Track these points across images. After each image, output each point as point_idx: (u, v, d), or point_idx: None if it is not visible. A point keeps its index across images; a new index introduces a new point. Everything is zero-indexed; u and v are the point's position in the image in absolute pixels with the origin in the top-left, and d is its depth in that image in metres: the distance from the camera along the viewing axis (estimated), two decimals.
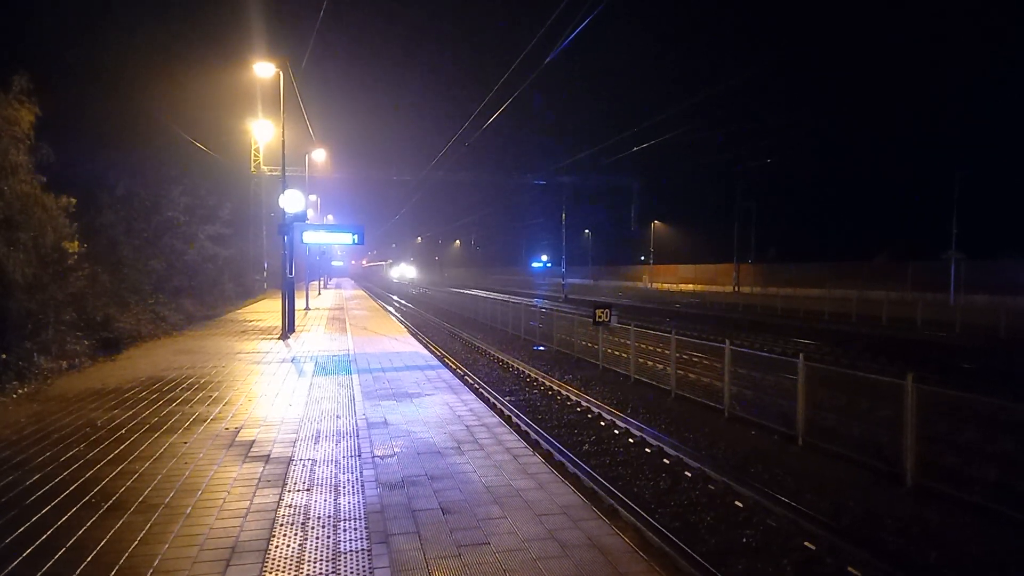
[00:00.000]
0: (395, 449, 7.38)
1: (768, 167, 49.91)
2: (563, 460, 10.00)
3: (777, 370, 13.03)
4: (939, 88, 54.59)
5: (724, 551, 7.00)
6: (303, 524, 5.21)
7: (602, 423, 12.46)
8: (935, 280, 38.29)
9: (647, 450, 10.61)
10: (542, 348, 22.70)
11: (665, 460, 10.04)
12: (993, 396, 10.94)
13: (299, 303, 27.87)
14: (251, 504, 5.64)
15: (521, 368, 18.60)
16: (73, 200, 14.86)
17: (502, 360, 20.39)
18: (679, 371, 14.79)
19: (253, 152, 43.72)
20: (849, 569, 6.50)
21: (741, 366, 13.35)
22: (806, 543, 7.07)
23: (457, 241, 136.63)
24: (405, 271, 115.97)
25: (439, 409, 9.49)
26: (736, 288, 54.80)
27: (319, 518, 5.34)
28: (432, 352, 18.01)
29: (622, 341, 17.77)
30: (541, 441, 11.07)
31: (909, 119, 57.31)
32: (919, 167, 53.50)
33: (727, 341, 13.09)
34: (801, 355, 11.01)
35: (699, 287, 60.12)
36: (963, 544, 7.00)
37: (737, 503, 8.25)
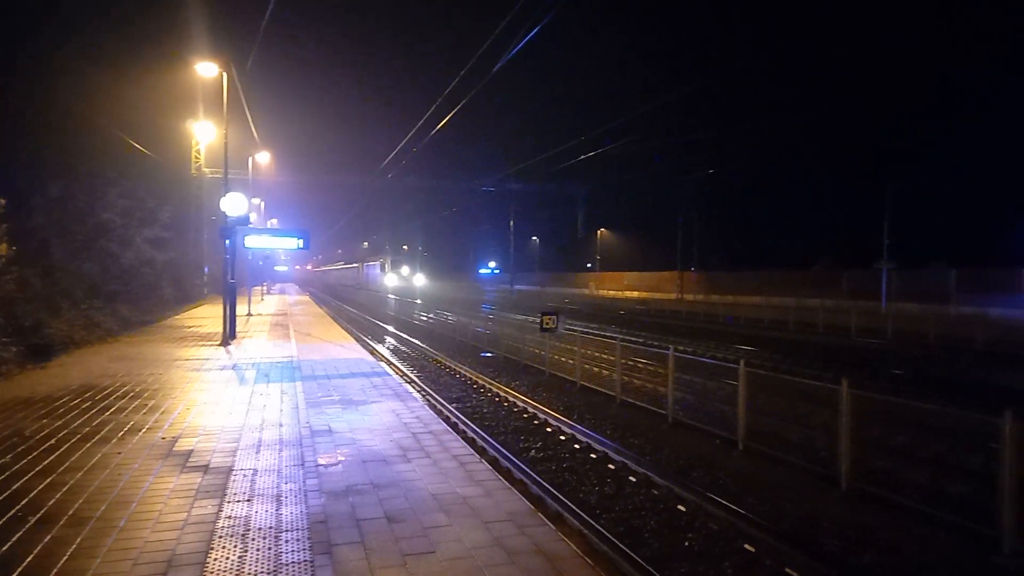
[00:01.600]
0: (340, 457, 7.28)
1: (711, 177, 51.11)
2: (510, 466, 10.00)
3: (719, 376, 13.31)
4: (873, 104, 56.77)
5: (667, 555, 7.10)
6: (243, 536, 5.09)
7: (548, 429, 12.51)
8: (868, 288, 39.74)
9: (592, 456, 10.69)
10: (489, 354, 22.69)
11: (610, 466, 10.13)
12: (923, 401, 11.40)
13: (241, 309, 27.26)
14: (189, 516, 5.48)
15: (468, 374, 18.56)
16: (2, 201, 14.29)
17: (449, 367, 20.31)
18: (624, 377, 14.96)
19: (194, 154, 42.66)
20: (787, 571, 6.66)
21: (684, 372, 13.59)
22: (746, 546, 7.21)
23: (404, 246, 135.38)
24: (414, 278, 70.61)
25: (385, 416, 9.40)
26: (679, 295, 55.79)
27: (260, 529, 5.22)
28: (378, 359, 17.83)
29: (569, 347, 17.90)
30: (488, 448, 11.06)
31: (844, 134, 59.43)
32: (853, 180, 55.53)
33: (671, 348, 13.30)
34: (742, 361, 11.26)
35: (644, 294, 61.05)
36: (896, 545, 7.25)
37: (680, 507, 8.38)
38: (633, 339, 23.07)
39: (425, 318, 38.26)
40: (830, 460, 9.28)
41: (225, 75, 18.76)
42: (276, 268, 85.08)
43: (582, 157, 40.39)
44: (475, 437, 11.75)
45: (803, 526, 7.79)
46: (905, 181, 38.90)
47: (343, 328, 25.96)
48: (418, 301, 46.95)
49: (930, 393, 14.79)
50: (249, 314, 29.86)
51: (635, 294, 62.78)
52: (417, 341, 26.99)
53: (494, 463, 9.83)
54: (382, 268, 72.94)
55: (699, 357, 15.75)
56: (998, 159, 48.78)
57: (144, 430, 8.34)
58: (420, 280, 72.12)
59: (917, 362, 21.21)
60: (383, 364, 16.62)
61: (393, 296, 51.89)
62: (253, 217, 29.43)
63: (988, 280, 35.58)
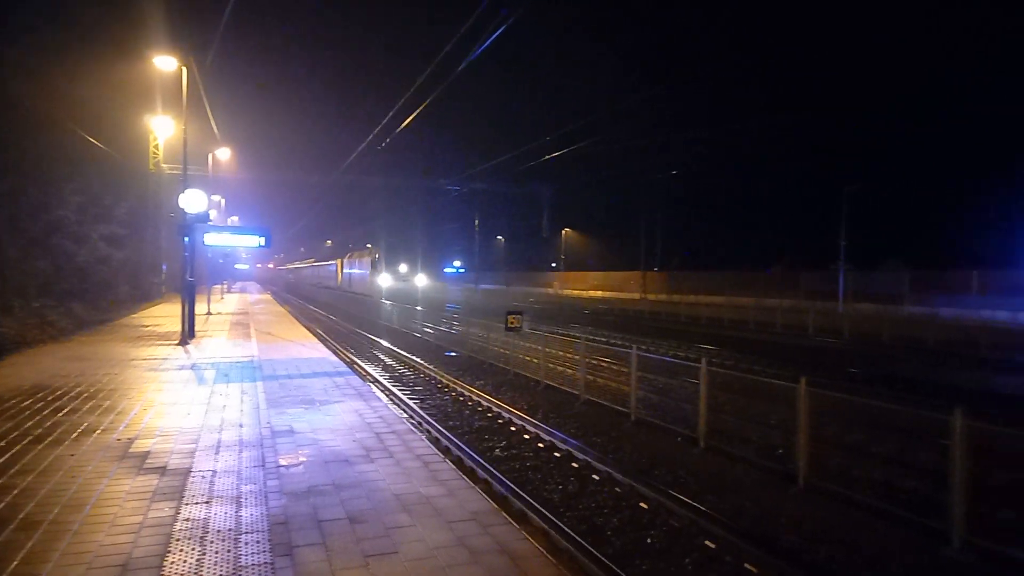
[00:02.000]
0: (301, 458, 7.20)
1: (674, 178, 51.71)
2: (473, 466, 10.00)
3: (680, 375, 13.46)
4: (833, 107, 58.03)
5: (629, 552, 7.17)
6: (201, 538, 5.01)
7: (512, 428, 12.54)
8: (825, 289, 40.58)
9: (556, 454, 10.74)
10: (454, 354, 22.65)
11: (574, 464, 10.20)
12: (878, 399, 11.67)
13: (201, 307, 26.78)
14: (145, 519, 5.37)
15: (433, 374, 18.50)
16: None
17: (414, 365, 20.22)
18: (588, 376, 15.06)
19: (152, 149, 41.74)
20: (746, 566, 6.78)
21: (647, 371, 13.72)
22: (707, 542, 7.32)
23: (368, 245, 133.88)
24: (415, 279, 55.34)
25: (348, 416, 9.32)
26: (643, 295, 56.31)
27: (219, 531, 5.14)
28: (341, 358, 17.66)
29: (533, 347, 17.96)
30: (451, 447, 11.04)
31: (804, 136, 60.65)
32: (812, 181, 56.71)
33: (634, 347, 13.43)
34: (703, 360, 11.40)
35: (608, 293, 61.50)
36: (851, 540, 7.42)
37: (642, 504, 8.47)
38: (597, 338, 23.20)
39: (431, 330, 28.75)
40: (788, 457, 9.46)
41: (185, 69, 18.42)
42: (236, 267, 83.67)
43: (547, 157, 40.42)
44: (439, 437, 11.73)
45: (762, 522, 7.93)
46: (862, 183, 39.76)
47: (305, 327, 25.65)
48: (419, 308, 33.14)
49: (884, 391, 15.16)
50: (209, 313, 29.33)
51: (599, 293, 63.19)
52: (381, 340, 26.80)
53: (458, 463, 9.82)
54: (373, 265, 52.92)
55: (661, 356, 15.92)
56: (952, 162, 50.18)
57: (99, 431, 8.15)
58: (422, 280, 54.97)
59: (872, 361, 21.71)
60: (346, 364, 16.47)
61: (389, 301, 37.28)
62: (213, 214, 28.98)
63: (940, 281, 36.60)
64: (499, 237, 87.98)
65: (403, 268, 54.61)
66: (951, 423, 7.20)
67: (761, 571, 6.68)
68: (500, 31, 15.70)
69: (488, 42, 16.49)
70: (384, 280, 51.21)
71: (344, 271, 65.32)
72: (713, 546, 7.23)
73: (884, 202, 47.47)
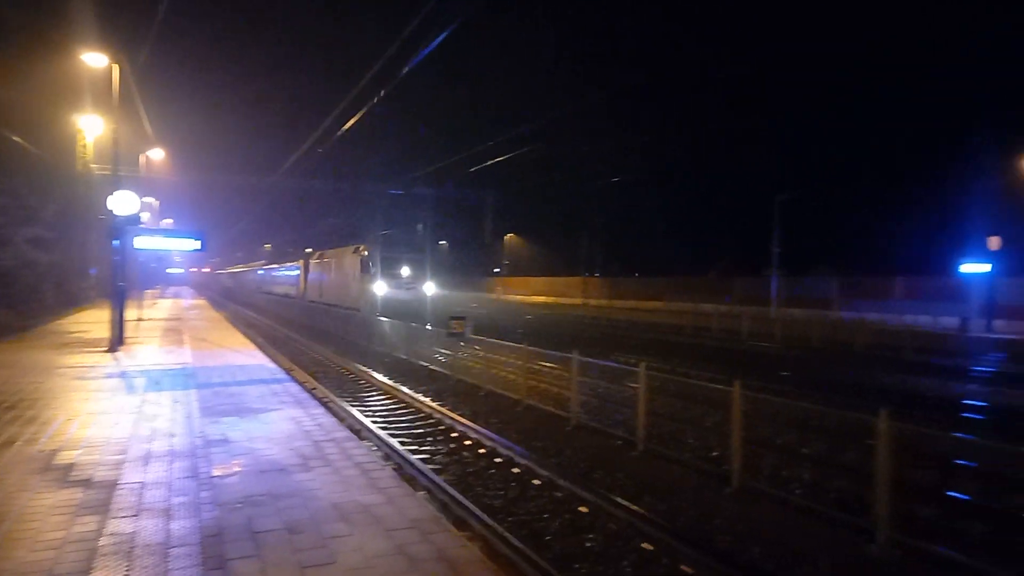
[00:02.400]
0: (236, 468, 7.03)
1: (615, 185, 52.44)
2: (414, 473, 9.93)
3: (620, 379, 13.66)
4: (764, 120, 59.90)
5: (568, 556, 7.23)
6: (128, 553, 4.84)
7: (454, 434, 12.50)
8: (758, 294, 41.78)
9: (497, 460, 10.75)
10: (395, 359, 22.45)
11: (515, 469, 10.23)
12: (808, 401, 12.09)
13: (132, 313, 25.87)
14: (68, 534, 5.16)
15: (373, 380, 18.31)
16: None
17: (354, 372, 19.97)
18: (530, 381, 15.13)
19: (80, 149, 40.14)
20: (682, 567, 6.92)
21: (587, 375, 13.88)
22: (644, 545, 7.44)
23: (308, 250, 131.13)
24: (420, 284, 38.43)
25: (285, 424, 9.14)
26: (584, 301, 56.90)
27: (147, 546, 4.98)
28: (279, 365, 17.29)
29: (475, 352, 17.95)
30: (392, 455, 10.94)
31: (735, 147, 62.35)
32: (747, 191, 58.38)
33: (575, 352, 13.56)
34: (642, 364, 11.59)
35: (550, 299, 62.00)
36: (781, 538, 7.64)
37: (581, 508, 8.54)
38: (538, 344, 23.29)
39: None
40: (723, 459, 9.68)
41: (116, 67, 17.82)
42: (168, 271, 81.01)
43: (490, 162, 40.39)
44: (379, 444, 11.61)
45: (697, 524, 8.10)
46: (793, 192, 41.04)
47: (242, 333, 25.05)
48: (428, 327, 24.44)
49: (814, 394, 15.67)
50: (140, 319, 28.38)
51: (542, 299, 63.61)
52: (321, 345, 26.38)
53: (398, 470, 9.74)
54: (364, 267, 36.49)
55: (601, 361, 16.10)
56: (878, 173, 52.36)
57: (20, 442, 7.79)
58: (431, 289, 39.49)
59: (802, 365, 22.42)
60: (284, 371, 16.14)
61: (385, 318, 27.33)
62: (145, 217, 28.06)
63: (866, 287, 38.12)
64: (442, 242, 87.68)
65: (405, 272, 37.94)
66: (876, 424, 7.48)
67: (697, 571, 6.82)
68: (444, 35, 15.66)
69: (433, 45, 16.42)
70: (380, 288, 35.63)
71: (311, 276, 48.51)
72: (651, 548, 7.35)
73: (814, 211, 49.19)
